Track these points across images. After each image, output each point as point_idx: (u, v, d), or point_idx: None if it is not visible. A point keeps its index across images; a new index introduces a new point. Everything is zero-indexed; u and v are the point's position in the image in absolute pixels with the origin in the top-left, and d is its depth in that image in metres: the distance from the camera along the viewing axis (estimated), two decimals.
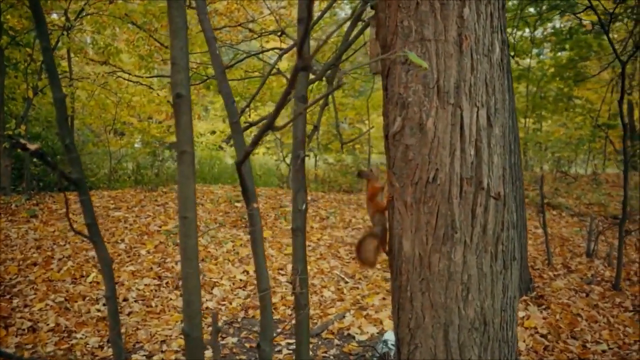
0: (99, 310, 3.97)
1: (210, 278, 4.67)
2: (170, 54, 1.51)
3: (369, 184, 2.14)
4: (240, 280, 4.74)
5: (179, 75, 1.51)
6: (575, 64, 12.47)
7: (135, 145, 13.51)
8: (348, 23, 3.71)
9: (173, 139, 14.23)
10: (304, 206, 1.92)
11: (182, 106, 1.51)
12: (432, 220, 1.82)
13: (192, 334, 1.62)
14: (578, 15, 4.96)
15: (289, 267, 5.07)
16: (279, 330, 3.89)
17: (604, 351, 3.53)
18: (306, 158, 2.03)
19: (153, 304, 4.17)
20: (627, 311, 4.24)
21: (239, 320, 4.04)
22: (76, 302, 4.12)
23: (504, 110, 1.86)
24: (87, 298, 4.18)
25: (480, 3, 1.73)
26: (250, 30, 11.42)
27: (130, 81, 11.69)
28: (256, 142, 1.44)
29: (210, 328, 3.65)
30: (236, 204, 7.45)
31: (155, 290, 4.42)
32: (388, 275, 5.15)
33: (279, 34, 7.98)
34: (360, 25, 4.34)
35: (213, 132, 17.30)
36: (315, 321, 4.04)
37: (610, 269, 5.31)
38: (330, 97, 5.72)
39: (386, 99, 1.86)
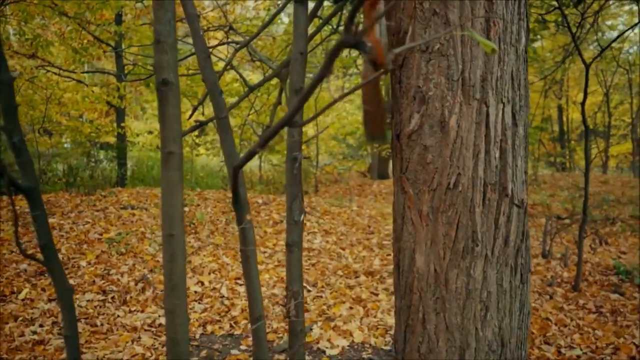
0: (35, 333, 3.48)
1: (162, 291, 4.25)
2: (153, 29, 1.19)
3: None
4: (195, 292, 4.36)
5: (165, 55, 1.19)
6: None
7: (65, 145, 12.59)
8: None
9: (107, 139, 13.44)
10: (301, 217, 1.64)
11: (170, 96, 1.20)
12: (452, 232, 1.60)
13: None
14: (544, 15, 4.97)
15: None
16: (242, 347, 3.57)
17: (578, 356, 3.48)
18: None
19: (98, 323, 3.72)
20: (591, 313, 4.25)
21: (197, 337, 3.68)
22: (7, 323, 3.60)
23: (527, 107, 1.67)
24: (20, 319, 3.66)
25: None
26: None
27: (62, 76, 10.85)
28: (266, 142, 1.16)
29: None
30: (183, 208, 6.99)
31: (100, 307, 3.96)
32: (352, 282, 4.93)
33: (226, 29, 7.61)
34: (317, 21, 4.10)
35: (150, 132, 16.57)
36: (280, 335, 3.76)
37: (567, 269, 5.37)
38: (284, 96, 5.41)
39: (399, 93, 1.62)
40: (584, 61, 4.10)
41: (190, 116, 3.98)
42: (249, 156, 1.25)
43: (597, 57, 4.07)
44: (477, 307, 1.67)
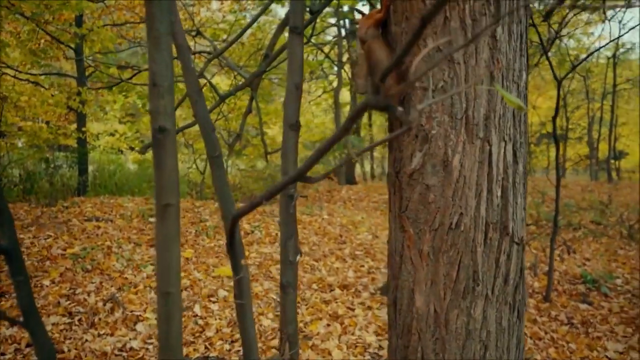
0: (2, 354, 3.27)
1: (132, 311, 4.08)
2: (148, 70, 1.10)
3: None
4: None
5: (161, 100, 1.10)
6: None
7: (20, 145, 12.04)
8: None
9: (67, 142, 12.93)
10: (297, 257, 1.57)
11: (167, 144, 1.11)
12: (452, 272, 1.56)
13: None
14: None
15: (220, 292, 4.62)
16: None
17: None
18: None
19: (65, 348, 3.53)
20: (563, 324, 4.32)
21: None
22: None
23: (527, 144, 1.64)
24: None
25: (512, 22, 1.50)
26: None
27: (18, 79, 10.38)
28: (271, 196, 1.08)
29: None
30: (150, 219, 6.78)
31: (66, 330, 3.76)
32: (327, 296, 4.87)
33: (193, 33, 7.42)
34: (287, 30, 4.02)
35: (112, 135, 16.04)
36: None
37: (537, 279, 5.46)
38: (254, 103, 5.30)
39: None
40: (555, 77, 4.17)
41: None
42: (251, 207, 1.17)
43: (569, 72, 4.16)
44: (477, 347, 1.63)
